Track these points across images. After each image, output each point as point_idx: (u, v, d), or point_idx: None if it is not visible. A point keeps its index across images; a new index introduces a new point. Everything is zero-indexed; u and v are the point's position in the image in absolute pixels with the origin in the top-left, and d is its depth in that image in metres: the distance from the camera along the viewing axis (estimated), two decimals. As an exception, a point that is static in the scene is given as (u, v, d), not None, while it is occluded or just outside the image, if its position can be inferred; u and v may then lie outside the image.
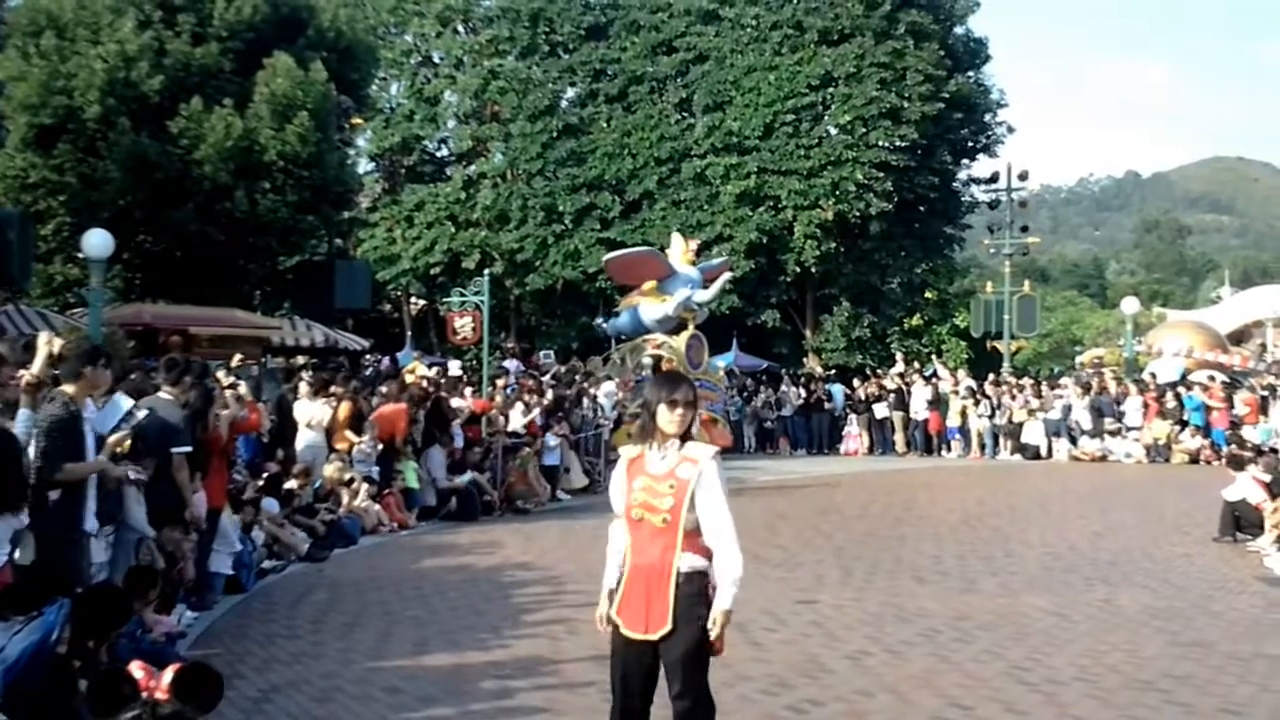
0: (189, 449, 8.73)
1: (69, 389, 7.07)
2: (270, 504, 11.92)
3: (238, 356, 14.64)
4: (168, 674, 5.47)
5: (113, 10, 22.85)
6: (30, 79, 21.94)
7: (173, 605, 8.44)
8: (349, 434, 14.66)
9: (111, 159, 22.17)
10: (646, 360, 24.50)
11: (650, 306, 25.25)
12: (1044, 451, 25.99)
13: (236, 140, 22.60)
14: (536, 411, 19.33)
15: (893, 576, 11.02)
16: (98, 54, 22.00)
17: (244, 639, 8.52)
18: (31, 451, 6.84)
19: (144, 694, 5.34)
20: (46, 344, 7.39)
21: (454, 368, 22.97)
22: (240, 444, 11.70)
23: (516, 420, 18.90)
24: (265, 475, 12.22)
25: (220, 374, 11.49)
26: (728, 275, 26.99)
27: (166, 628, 7.82)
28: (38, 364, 7.26)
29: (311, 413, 14.02)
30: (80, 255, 20.89)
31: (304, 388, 14.44)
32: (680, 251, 25.72)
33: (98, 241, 18.40)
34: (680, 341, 24.94)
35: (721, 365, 27.56)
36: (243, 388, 11.31)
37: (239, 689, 7.03)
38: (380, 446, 14.90)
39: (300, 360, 23.39)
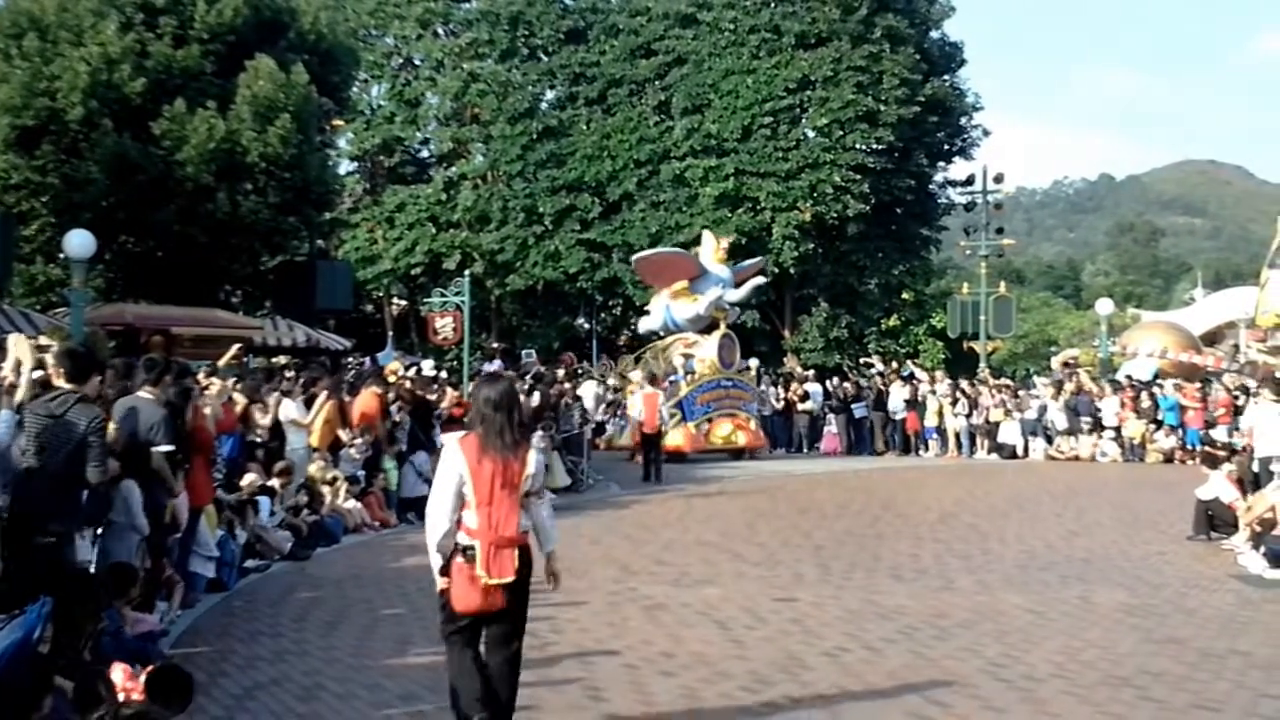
0: (170, 448, 8.74)
1: (71, 386, 6.98)
2: (264, 504, 11.93)
3: (235, 346, 14.50)
4: (143, 677, 5.55)
5: (95, 13, 22.76)
6: (12, 80, 21.86)
7: (154, 603, 8.46)
8: (340, 432, 14.66)
9: (94, 160, 22.11)
10: (678, 360, 24.65)
11: (681, 305, 25.34)
12: (1020, 451, 26.15)
13: (218, 142, 22.57)
14: (517, 413, 19.28)
15: (871, 574, 11.10)
16: (80, 56, 21.91)
17: (227, 637, 8.54)
18: (14, 452, 6.86)
19: (121, 695, 5.41)
20: (19, 345, 7.39)
21: (427, 367, 23.00)
22: (225, 443, 11.66)
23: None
24: (262, 485, 12.18)
25: (200, 374, 11.42)
26: (760, 279, 27.08)
27: (148, 626, 7.84)
28: (9, 365, 7.25)
29: (296, 412, 14.01)
30: (62, 255, 20.90)
31: (295, 389, 14.40)
32: (711, 250, 25.84)
33: (80, 242, 18.41)
34: (712, 341, 25.04)
35: (753, 366, 27.65)
36: (215, 387, 11.26)
37: (222, 687, 7.08)
38: (370, 452, 14.90)
39: (282, 360, 23.36)
